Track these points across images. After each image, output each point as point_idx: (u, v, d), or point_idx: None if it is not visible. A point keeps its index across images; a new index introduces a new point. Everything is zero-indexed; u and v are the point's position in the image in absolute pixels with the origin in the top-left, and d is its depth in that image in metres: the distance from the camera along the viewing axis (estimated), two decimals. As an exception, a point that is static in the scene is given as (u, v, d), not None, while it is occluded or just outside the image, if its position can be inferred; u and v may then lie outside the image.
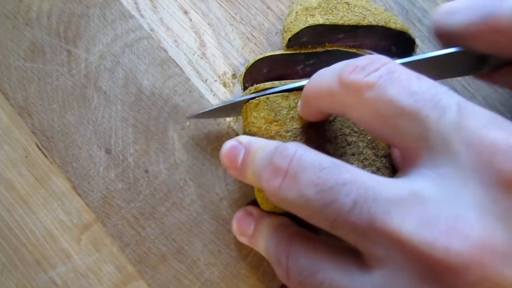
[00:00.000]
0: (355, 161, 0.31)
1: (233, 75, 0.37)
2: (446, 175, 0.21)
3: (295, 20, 0.34)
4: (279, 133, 0.31)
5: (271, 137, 0.31)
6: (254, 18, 0.37)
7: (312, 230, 0.28)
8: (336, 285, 0.23)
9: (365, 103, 0.23)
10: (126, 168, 0.36)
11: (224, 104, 0.34)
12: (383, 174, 0.31)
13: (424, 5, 0.37)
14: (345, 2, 0.34)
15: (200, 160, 0.36)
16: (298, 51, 0.34)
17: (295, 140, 0.31)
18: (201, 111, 0.34)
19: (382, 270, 0.22)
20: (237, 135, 0.33)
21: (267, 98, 0.31)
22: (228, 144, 0.30)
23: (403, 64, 0.25)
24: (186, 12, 0.37)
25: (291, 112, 0.31)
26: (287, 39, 0.34)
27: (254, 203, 0.34)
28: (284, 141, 0.30)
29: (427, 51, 0.36)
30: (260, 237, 0.31)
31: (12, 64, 0.37)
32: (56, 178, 0.36)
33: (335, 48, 0.34)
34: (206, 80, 0.37)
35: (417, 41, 0.35)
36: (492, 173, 0.20)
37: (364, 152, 0.31)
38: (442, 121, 0.21)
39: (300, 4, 0.35)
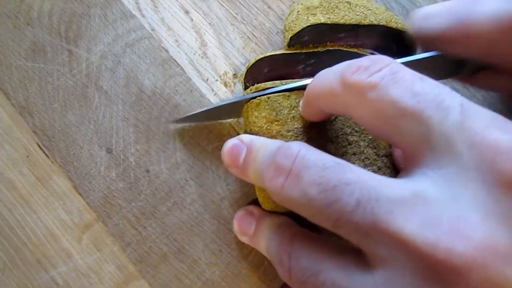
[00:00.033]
0: (356, 160, 0.31)
1: (234, 74, 0.37)
2: (448, 176, 0.21)
3: (297, 19, 0.34)
4: (280, 133, 0.31)
5: (272, 137, 0.31)
6: (255, 17, 0.37)
7: (313, 230, 0.28)
8: (339, 285, 0.23)
9: (367, 104, 0.23)
10: (127, 168, 0.36)
11: (205, 109, 0.34)
12: (384, 174, 0.32)
13: (425, 4, 0.37)
14: (347, 2, 0.34)
15: (201, 160, 0.36)
16: (299, 51, 0.34)
17: (296, 140, 0.31)
18: (185, 115, 0.35)
19: (384, 270, 0.22)
20: (238, 134, 0.33)
21: (268, 98, 0.32)
22: (230, 143, 0.30)
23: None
24: (187, 12, 0.37)
25: (292, 111, 0.31)
26: (289, 38, 0.34)
27: (255, 202, 0.34)
28: (285, 141, 0.30)
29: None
30: (261, 237, 0.31)
31: (13, 64, 0.37)
32: (57, 178, 0.36)
33: (336, 48, 0.34)
34: (207, 79, 0.37)
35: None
36: (494, 174, 0.20)
37: (365, 151, 0.31)
38: (445, 121, 0.22)
39: (302, 4, 0.35)
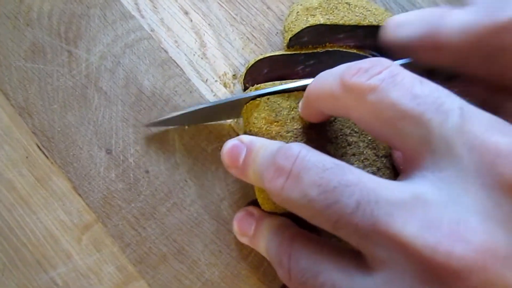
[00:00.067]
0: (355, 161, 0.31)
1: (234, 75, 0.37)
2: (448, 179, 0.21)
3: (296, 20, 0.34)
4: (280, 134, 0.31)
5: (272, 138, 0.31)
6: (254, 18, 0.37)
7: (313, 231, 0.28)
8: (338, 286, 0.23)
9: (367, 106, 0.24)
10: (126, 169, 0.36)
11: (182, 112, 0.34)
12: (383, 174, 0.32)
13: (424, 5, 0.37)
14: (346, 2, 0.34)
15: (200, 161, 0.36)
16: (298, 52, 0.34)
17: (296, 141, 0.31)
18: (158, 119, 0.35)
19: (384, 272, 0.22)
20: (238, 135, 0.33)
21: (268, 99, 0.32)
22: (230, 143, 0.30)
23: None
24: (186, 13, 0.37)
25: (292, 112, 0.31)
26: (288, 38, 0.34)
27: (255, 203, 0.34)
28: (285, 142, 0.30)
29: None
30: (261, 238, 0.31)
31: (12, 65, 0.37)
32: (56, 179, 0.36)
33: (335, 49, 0.34)
34: (206, 80, 0.37)
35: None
36: (494, 177, 0.20)
37: (364, 152, 0.31)
38: (445, 124, 0.22)
39: (301, 4, 0.35)
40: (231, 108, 0.33)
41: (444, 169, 0.22)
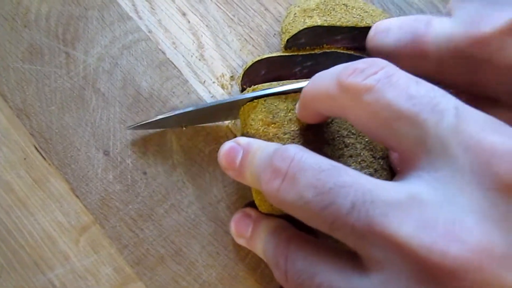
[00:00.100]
0: (352, 162, 0.31)
1: (231, 76, 0.37)
2: (444, 179, 0.21)
3: (293, 22, 0.34)
4: (277, 135, 0.31)
5: (269, 139, 0.31)
6: (252, 20, 0.37)
7: (309, 232, 0.28)
8: (335, 287, 0.23)
9: (363, 106, 0.24)
10: (124, 170, 0.36)
11: (164, 116, 0.34)
12: (380, 176, 0.32)
13: (421, 6, 0.37)
14: (343, 4, 0.34)
15: (198, 162, 0.36)
16: (296, 53, 0.34)
17: (293, 142, 0.31)
18: (142, 122, 0.35)
19: (380, 273, 0.22)
20: (235, 137, 0.33)
21: (265, 100, 0.32)
22: (227, 145, 0.30)
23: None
24: (184, 14, 0.37)
25: (289, 114, 0.31)
26: (285, 40, 0.34)
27: (252, 205, 0.34)
28: (282, 143, 0.30)
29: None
30: (258, 239, 0.31)
31: (10, 66, 0.37)
32: (54, 180, 0.36)
33: (333, 50, 0.34)
34: (204, 82, 0.37)
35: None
36: (490, 176, 0.20)
37: (361, 153, 0.31)
38: (440, 124, 0.22)
39: (298, 6, 0.35)
40: (228, 109, 0.33)
41: (440, 169, 0.22)
